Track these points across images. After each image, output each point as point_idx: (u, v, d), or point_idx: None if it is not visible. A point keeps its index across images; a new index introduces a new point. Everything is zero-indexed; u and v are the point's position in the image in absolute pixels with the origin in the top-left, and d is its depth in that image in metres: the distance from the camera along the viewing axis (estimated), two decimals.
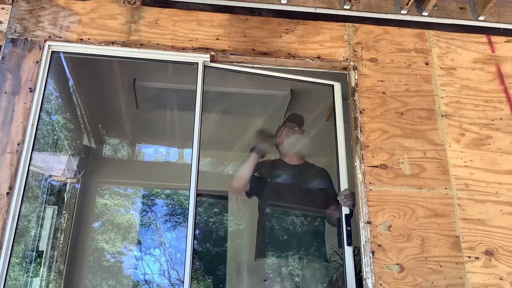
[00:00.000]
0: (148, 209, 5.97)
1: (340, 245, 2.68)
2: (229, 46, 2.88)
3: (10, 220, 2.37)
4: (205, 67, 2.86)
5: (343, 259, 2.60)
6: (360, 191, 2.59)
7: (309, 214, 3.26)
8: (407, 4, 2.99)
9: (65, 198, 4.74)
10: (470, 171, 2.70)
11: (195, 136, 2.72)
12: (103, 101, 4.21)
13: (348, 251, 2.59)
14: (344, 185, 2.75)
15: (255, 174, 3.28)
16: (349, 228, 2.61)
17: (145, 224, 5.93)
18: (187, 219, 2.56)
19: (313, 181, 3.32)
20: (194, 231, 2.53)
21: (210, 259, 4.99)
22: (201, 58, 2.84)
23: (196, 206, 2.58)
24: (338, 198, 2.74)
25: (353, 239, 2.61)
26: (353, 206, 2.67)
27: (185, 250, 2.49)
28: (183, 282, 2.43)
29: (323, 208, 3.20)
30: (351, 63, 2.90)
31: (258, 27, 2.96)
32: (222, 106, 4.13)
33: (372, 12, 3.06)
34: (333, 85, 2.94)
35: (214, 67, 2.89)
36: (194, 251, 2.51)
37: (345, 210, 2.68)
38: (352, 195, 2.70)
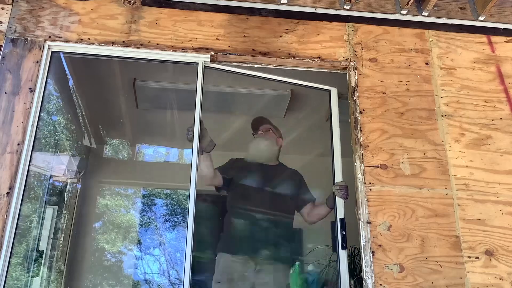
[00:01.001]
0: (148, 209, 5.97)
1: (335, 249, 2.68)
2: (229, 46, 2.87)
3: (10, 220, 2.36)
4: (205, 67, 2.85)
5: (337, 262, 2.60)
6: (360, 191, 2.59)
7: (277, 218, 3.26)
8: (407, 4, 2.99)
9: (66, 198, 4.75)
10: (470, 171, 2.70)
11: (195, 136, 2.72)
12: (103, 101, 4.21)
13: (343, 255, 2.59)
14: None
15: (228, 173, 3.26)
16: (343, 232, 2.61)
17: (145, 224, 5.93)
18: (187, 219, 2.56)
19: (285, 183, 3.35)
20: (194, 231, 2.52)
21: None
22: (201, 58, 2.84)
23: (195, 206, 2.58)
24: (332, 188, 2.77)
25: (347, 241, 2.62)
26: (346, 198, 2.71)
27: (185, 250, 2.48)
28: (182, 282, 2.43)
29: (292, 212, 3.23)
30: (351, 63, 2.90)
31: (258, 27, 2.96)
32: (222, 106, 4.13)
33: (372, 12, 3.06)
34: (329, 90, 2.97)
35: (214, 68, 2.89)
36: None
37: (340, 214, 2.68)
38: (346, 188, 2.73)
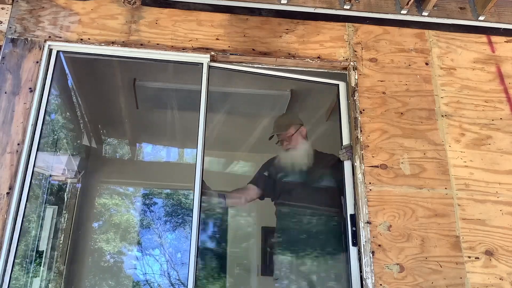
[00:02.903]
0: (148, 209, 5.97)
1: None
2: (229, 46, 2.87)
3: (10, 220, 2.36)
4: (209, 67, 2.84)
5: (348, 259, 2.58)
6: (360, 191, 2.59)
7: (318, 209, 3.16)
8: (407, 4, 2.99)
9: (65, 198, 4.75)
10: (470, 171, 2.70)
11: (200, 136, 2.68)
12: (103, 101, 4.21)
13: (353, 251, 2.57)
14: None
15: (264, 173, 3.26)
16: (354, 229, 2.59)
17: (145, 224, 5.93)
18: (191, 220, 2.52)
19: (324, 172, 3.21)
20: (199, 232, 2.49)
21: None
22: (206, 59, 2.83)
23: (201, 207, 2.55)
24: (339, 153, 2.78)
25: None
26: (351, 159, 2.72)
27: (189, 251, 2.44)
28: (186, 286, 2.39)
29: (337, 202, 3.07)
30: (351, 63, 2.90)
31: (258, 27, 2.96)
32: (223, 106, 4.13)
33: (372, 12, 3.06)
34: (338, 84, 2.95)
35: (218, 68, 2.88)
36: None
37: (350, 210, 2.66)
38: (351, 148, 2.73)
